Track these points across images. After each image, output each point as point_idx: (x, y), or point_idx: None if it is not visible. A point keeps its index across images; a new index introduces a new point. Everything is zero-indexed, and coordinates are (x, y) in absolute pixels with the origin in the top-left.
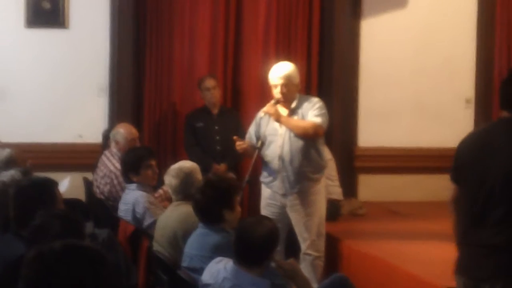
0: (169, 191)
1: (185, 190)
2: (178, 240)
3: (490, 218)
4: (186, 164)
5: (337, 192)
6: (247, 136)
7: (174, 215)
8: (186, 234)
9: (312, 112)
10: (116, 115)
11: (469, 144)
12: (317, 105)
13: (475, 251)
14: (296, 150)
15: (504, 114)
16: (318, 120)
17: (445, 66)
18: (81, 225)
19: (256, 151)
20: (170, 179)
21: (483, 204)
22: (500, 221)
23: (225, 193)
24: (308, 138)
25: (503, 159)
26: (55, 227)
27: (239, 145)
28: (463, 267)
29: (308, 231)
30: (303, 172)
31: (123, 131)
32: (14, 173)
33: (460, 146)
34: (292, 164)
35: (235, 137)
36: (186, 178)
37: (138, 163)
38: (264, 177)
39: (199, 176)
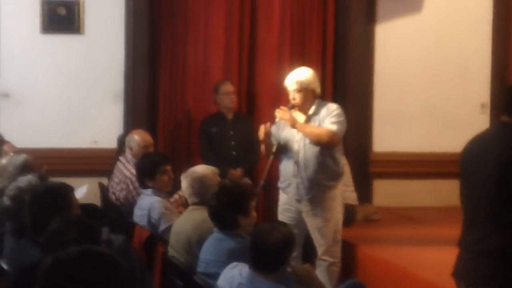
0: (185, 195)
1: (200, 194)
2: (192, 246)
3: (479, 224)
4: (201, 168)
5: (352, 197)
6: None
7: (188, 220)
8: (200, 240)
9: (328, 119)
10: (131, 120)
11: (468, 150)
12: (335, 112)
13: (466, 256)
14: (311, 157)
15: (504, 118)
16: (333, 127)
17: (460, 71)
18: (97, 230)
19: (271, 157)
20: (185, 182)
21: (474, 209)
22: (487, 227)
23: (239, 199)
24: (323, 146)
25: (491, 165)
26: (71, 233)
27: (261, 131)
28: (458, 271)
29: (323, 237)
30: (317, 179)
31: (137, 137)
32: (31, 179)
33: (462, 151)
34: (307, 170)
35: (268, 123)
36: (201, 182)
37: (153, 169)
38: (280, 182)
39: (215, 180)
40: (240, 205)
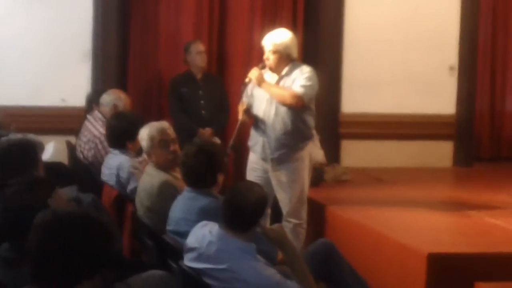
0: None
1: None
2: (146, 211)
3: None
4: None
5: (319, 155)
6: (244, 97)
7: (143, 184)
8: (152, 207)
9: (297, 82)
10: (100, 80)
11: None
12: (305, 75)
13: None
14: (279, 117)
15: None
16: (299, 91)
17: (429, 34)
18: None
19: (244, 118)
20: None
21: None
22: None
23: (218, 157)
24: (287, 107)
25: None
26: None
27: (240, 111)
28: None
29: (289, 198)
30: (284, 139)
31: (123, 97)
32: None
33: None
34: (274, 130)
35: (247, 106)
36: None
37: (135, 130)
38: (250, 140)
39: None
40: (219, 163)
